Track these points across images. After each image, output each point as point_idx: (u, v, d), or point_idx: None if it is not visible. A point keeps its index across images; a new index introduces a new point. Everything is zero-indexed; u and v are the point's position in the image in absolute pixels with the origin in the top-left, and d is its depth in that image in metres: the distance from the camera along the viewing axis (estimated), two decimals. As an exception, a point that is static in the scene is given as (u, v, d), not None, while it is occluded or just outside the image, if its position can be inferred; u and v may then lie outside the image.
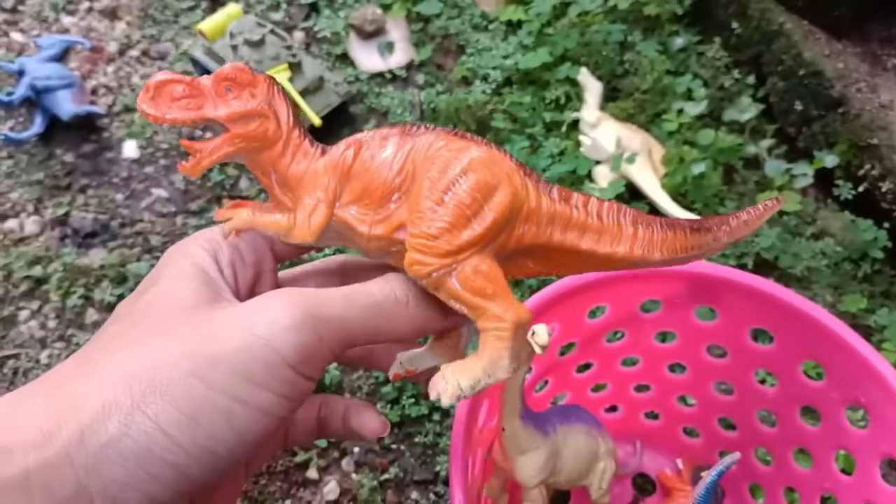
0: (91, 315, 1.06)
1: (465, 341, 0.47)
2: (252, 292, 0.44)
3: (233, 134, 0.39)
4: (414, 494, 0.93)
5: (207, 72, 1.12)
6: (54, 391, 0.35)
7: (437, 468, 0.94)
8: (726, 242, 0.44)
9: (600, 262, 0.43)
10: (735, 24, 1.33)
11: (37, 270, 1.08)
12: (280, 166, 0.41)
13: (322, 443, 0.94)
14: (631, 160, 1.16)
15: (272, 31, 1.22)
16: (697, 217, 1.10)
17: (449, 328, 0.45)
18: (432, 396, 0.40)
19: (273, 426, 0.36)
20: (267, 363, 0.35)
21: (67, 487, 0.32)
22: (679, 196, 1.17)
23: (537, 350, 0.61)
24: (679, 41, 1.35)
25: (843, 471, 0.72)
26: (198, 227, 1.15)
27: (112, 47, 1.36)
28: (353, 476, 0.94)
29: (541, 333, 0.61)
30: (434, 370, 0.42)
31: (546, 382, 0.84)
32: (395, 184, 0.39)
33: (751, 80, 1.31)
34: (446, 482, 0.93)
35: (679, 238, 0.43)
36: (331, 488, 0.92)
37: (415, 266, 0.38)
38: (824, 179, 1.20)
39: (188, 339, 0.36)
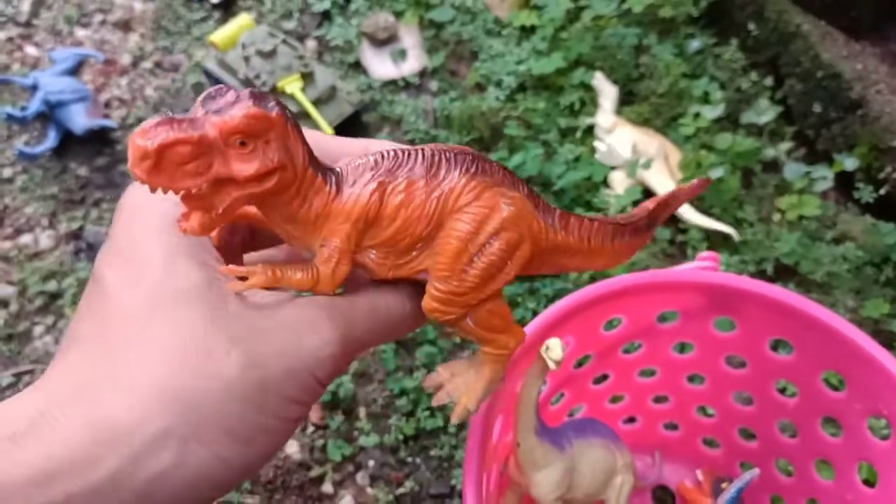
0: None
1: None
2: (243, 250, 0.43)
3: (249, 193, 0.35)
4: (430, 508, 0.92)
5: (220, 83, 1.12)
6: (90, 409, 0.33)
7: (453, 482, 0.93)
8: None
9: (575, 270, 0.47)
10: (752, 26, 1.32)
11: (51, 285, 1.08)
12: (291, 208, 0.37)
13: (337, 457, 0.94)
14: (647, 165, 1.15)
15: (284, 41, 1.22)
16: (712, 220, 1.10)
17: None
18: (435, 403, 0.45)
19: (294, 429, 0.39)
20: (306, 385, 0.37)
21: None
22: (697, 201, 1.15)
23: (551, 365, 0.60)
24: (695, 44, 1.33)
25: (865, 482, 0.70)
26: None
27: (125, 59, 1.37)
28: (369, 490, 0.93)
29: (554, 348, 0.60)
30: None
31: (562, 395, 0.83)
32: (422, 236, 0.39)
33: (768, 82, 1.29)
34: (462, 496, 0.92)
35: (642, 240, 0.48)
36: (346, 503, 0.92)
37: (435, 313, 0.40)
38: (844, 182, 1.19)
39: (230, 359, 0.34)
